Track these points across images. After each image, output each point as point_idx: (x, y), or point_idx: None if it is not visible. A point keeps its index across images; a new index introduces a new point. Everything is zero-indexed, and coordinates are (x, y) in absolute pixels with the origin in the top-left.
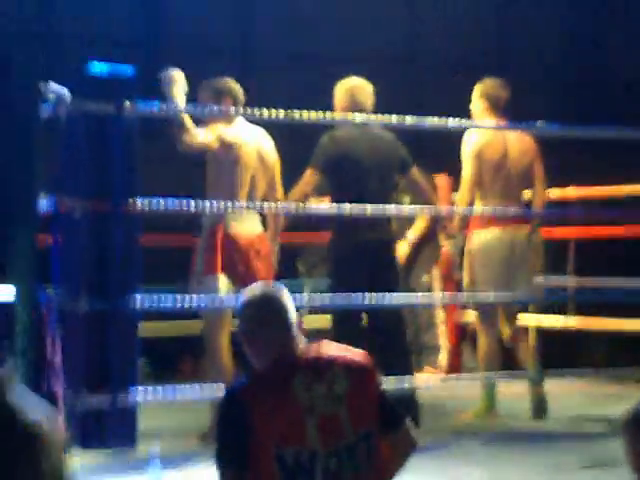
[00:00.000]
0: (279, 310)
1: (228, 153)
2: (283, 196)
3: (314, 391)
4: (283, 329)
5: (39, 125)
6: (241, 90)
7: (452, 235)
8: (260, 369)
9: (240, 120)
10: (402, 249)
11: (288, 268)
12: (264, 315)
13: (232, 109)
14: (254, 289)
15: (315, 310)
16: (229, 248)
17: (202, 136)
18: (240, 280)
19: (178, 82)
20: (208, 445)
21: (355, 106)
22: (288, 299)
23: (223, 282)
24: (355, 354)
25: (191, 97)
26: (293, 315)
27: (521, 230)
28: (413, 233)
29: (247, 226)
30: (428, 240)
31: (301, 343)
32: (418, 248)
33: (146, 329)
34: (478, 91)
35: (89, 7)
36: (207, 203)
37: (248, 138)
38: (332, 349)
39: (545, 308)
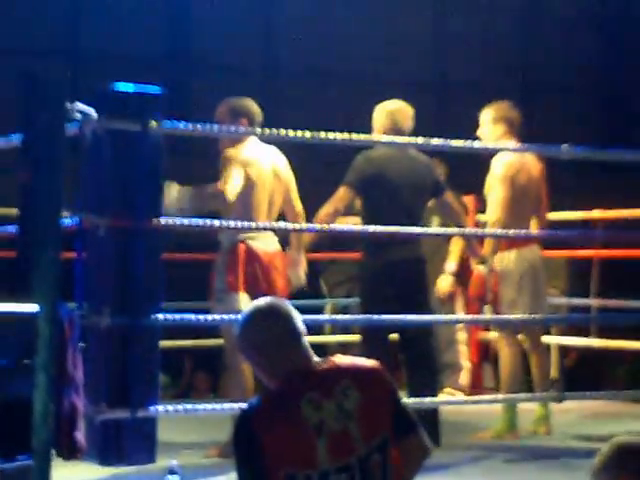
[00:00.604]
0: (286, 324)
1: (247, 172)
2: (302, 211)
3: (323, 410)
4: (291, 344)
5: (64, 143)
6: (258, 110)
7: (484, 258)
8: (269, 389)
9: (253, 139)
10: (443, 282)
11: (311, 286)
12: (272, 331)
13: (254, 130)
14: (258, 305)
15: (340, 329)
16: (251, 265)
17: (235, 184)
18: (262, 296)
19: (170, 194)
20: (226, 460)
21: (395, 129)
22: (294, 313)
23: (245, 300)
24: (365, 364)
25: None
26: (301, 329)
27: (536, 250)
28: (451, 263)
29: (266, 243)
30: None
31: (311, 358)
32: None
33: (168, 343)
34: (492, 115)
35: (115, 25)
36: (231, 221)
37: (263, 157)
38: (342, 362)
39: (567, 329)
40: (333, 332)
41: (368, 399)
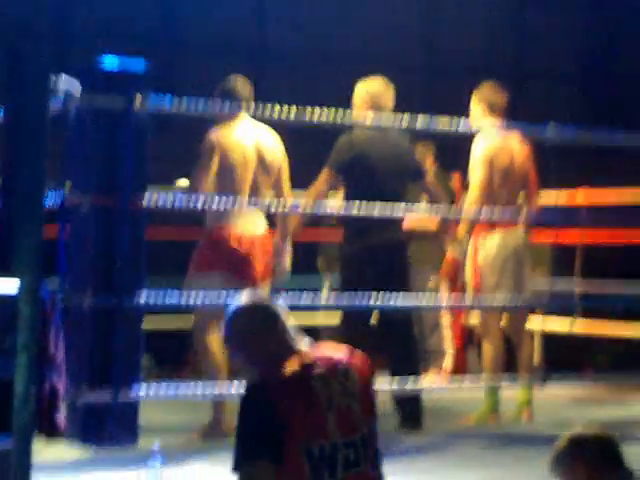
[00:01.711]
0: (273, 315)
1: (226, 156)
2: (290, 195)
3: (331, 386)
4: (283, 328)
5: (47, 119)
6: (249, 89)
7: (458, 239)
8: (274, 370)
9: (244, 119)
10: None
11: (309, 264)
12: (260, 321)
13: (239, 106)
14: (244, 298)
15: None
16: (230, 247)
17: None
18: (239, 278)
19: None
20: (207, 441)
21: (376, 107)
22: (278, 304)
23: (212, 281)
24: (355, 353)
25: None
26: (287, 318)
27: (520, 233)
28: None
29: (249, 225)
30: (436, 243)
31: (304, 344)
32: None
33: (151, 322)
34: (476, 96)
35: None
36: (215, 199)
37: (247, 139)
38: (335, 349)
39: (551, 312)
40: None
41: (364, 382)
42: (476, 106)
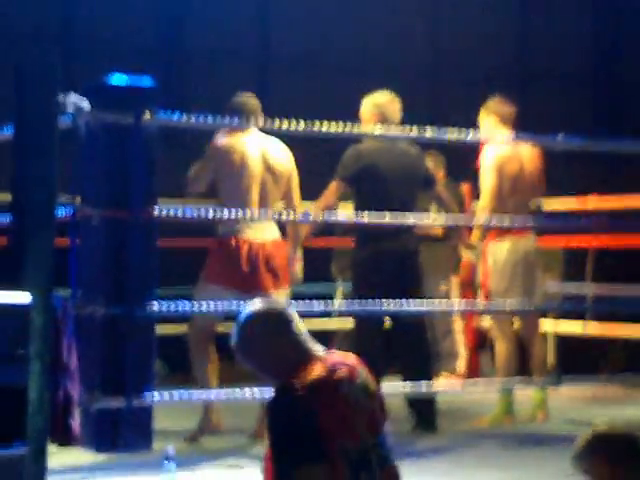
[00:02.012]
0: (285, 320)
1: (231, 162)
2: (300, 204)
3: (355, 389)
4: (300, 337)
5: (57, 134)
6: (257, 105)
7: (472, 245)
8: (294, 374)
9: (252, 132)
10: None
11: (323, 271)
12: (281, 325)
13: (246, 121)
14: (255, 305)
15: (342, 314)
16: (239, 255)
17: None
18: (250, 286)
19: None
20: (197, 445)
21: (383, 121)
22: (290, 310)
23: (219, 292)
24: (359, 359)
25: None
26: (299, 323)
27: (531, 239)
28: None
29: (259, 233)
30: (446, 249)
31: (319, 349)
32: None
33: (165, 329)
34: (486, 110)
35: (109, 17)
36: (225, 211)
37: (253, 148)
38: (344, 356)
39: (563, 315)
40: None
41: (376, 388)
42: (487, 118)
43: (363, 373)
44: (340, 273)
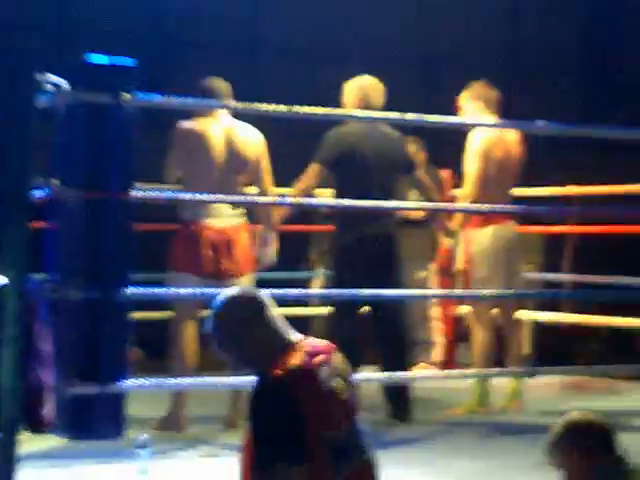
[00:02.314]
0: (260, 305)
1: (195, 150)
2: (271, 188)
3: (334, 377)
4: (276, 324)
5: (36, 114)
6: (226, 88)
7: (451, 231)
8: (274, 362)
9: (221, 116)
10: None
11: (300, 257)
12: (257, 312)
13: (228, 104)
14: (236, 290)
15: (318, 301)
16: (198, 244)
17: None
18: (210, 273)
19: None
20: (167, 432)
21: (366, 105)
22: (265, 296)
23: (188, 279)
24: (334, 345)
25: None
26: (275, 310)
27: (514, 226)
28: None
29: (220, 219)
30: (425, 235)
31: (295, 336)
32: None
33: (141, 315)
34: (470, 94)
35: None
36: (201, 195)
37: (218, 133)
38: (319, 341)
39: (541, 304)
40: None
41: (349, 373)
42: (472, 103)
43: (338, 360)
44: (318, 259)
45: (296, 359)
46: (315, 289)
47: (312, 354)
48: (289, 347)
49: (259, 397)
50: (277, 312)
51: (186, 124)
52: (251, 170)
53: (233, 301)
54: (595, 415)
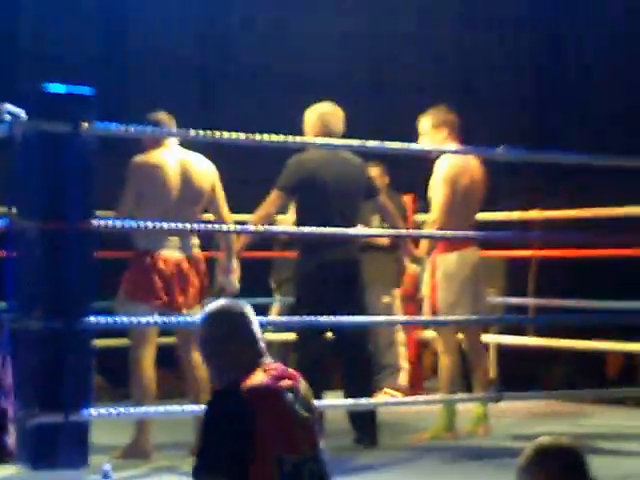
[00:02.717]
0: (247, 323)
1: (148, 178)
2: (228, 215)
3: (296, 400)
4: (253, 338)
5: None
6: (170, 120)
7: (418, 257)
8: (244, 378)
9: (171, 147)
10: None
11: (260, 284)
12: (235, 328)
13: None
14: (221, 304)
15: (281, 328)
16: (152, 272)
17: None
18: (162, 303)
19: None
20: (128, 461)
21: (326, 132)
22: (252, 314)
23: (139, 308)
24: (299, 373)
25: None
26: (258, 329)
27: (477, 251)
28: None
29: (174, 250)
30: (390, 260)
31: (267, 358)
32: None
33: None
34: (431, 122)
35: (50, 26)
36: (164, 224)
37: (173, 164)
38: (284, 367)
39: (504, 328)
40: (276, 330)
41: (315, 406)
42: (437, 130)
43: (304, 387)
44: (278, 286)
45: (260, 377)
46: (274, 316)
47: (279, 377)
48: (258, 367)
49: (214, 405)
50: (259, 330)
51: (141, 157)
52: (207, 200)
53: (212, 316)
54: (565, 439)
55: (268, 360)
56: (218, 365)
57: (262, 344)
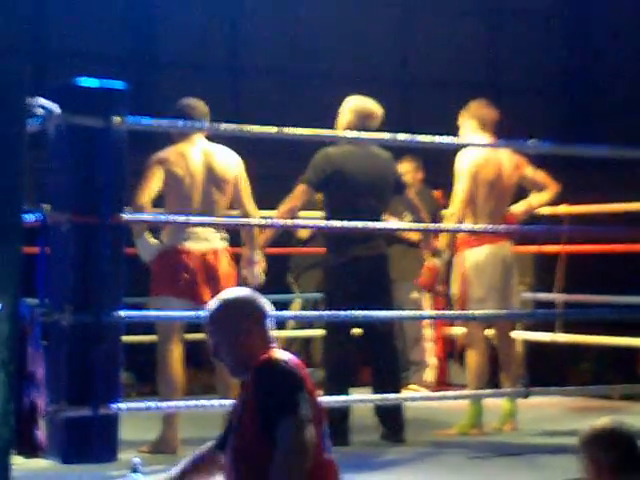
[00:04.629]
0: (263, 308)
1: (171, 172)
2: (254, 209)
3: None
4: (265, 329)
5: (25, 139)
6: (203, 107)
7: (438, 252)
8: (273, 354)
9: (197, 139)
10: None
11: (279, 281)
12: (254, 309)
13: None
14: (222, 297)
15: (306, 324)
16: (179, 269)
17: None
18: (190, 297)
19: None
20: (160, 455)
21: (359, 127)
22: (268, 305)
23: (169, 302)
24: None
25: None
26: (266, 317)
27: (508, 246)
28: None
29: (199, 244)
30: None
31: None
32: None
33: (132, 338)
34: (466, 114)
35: (80, 23)
36: (193, 217)
37: (197, 158)
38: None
39: (533, 324)
40: (298, 327)
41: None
42: (467, 122)
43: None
44: (295, 280)
45: (283, 353)
46: (293, 312)
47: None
48: (270, 351)
49: (268, 371)
50: (268, 319)
51: (165, 152)
52: (231, 193)
53: (222, 306)
54: (621, 425)
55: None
56: (235, 345)
57: (271, 333)
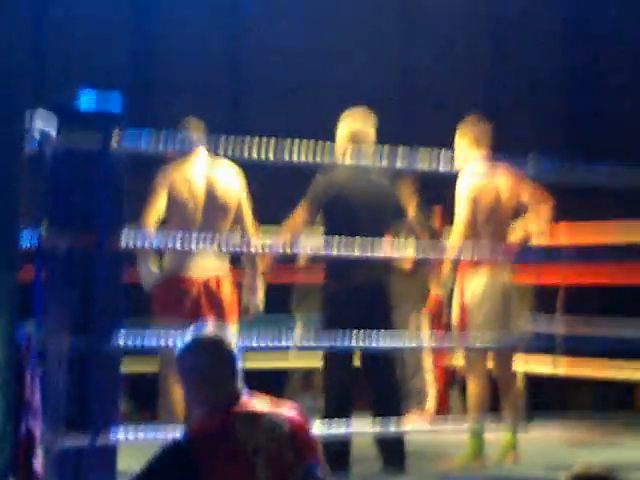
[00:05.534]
0: (228, 356)
1: (174, 193)
2: (254, 230)
3: (257, 436)
4: (230, 375)
5: (23, 159)
6: (200, 125)
7: (442, 277)
8: (201, 415)
9: (199, 158)
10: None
11: (281, 305)
12: (216, 358)
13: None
14: (203, 332)
15: (305, 349)
16: (180, 295)
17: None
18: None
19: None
20: None
21: (358, 150)
22: (234, 346)
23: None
24: (286, 406)
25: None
26: (238, 363)
27: (507, 271)
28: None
29: (201, 270)
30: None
31: (243, 393)
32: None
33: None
34: (461, 130)
35: (79, 41)
36: (192, 240)
37: (198, 176)
38: (266, 402)
39: (533, 353)
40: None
41: (297, 431)
42: (461, 140)
43: (277, 420)
44: (297, 306)
45: (216, 420)
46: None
47: (247, 415)
48: (228, 404)
49: (159, 455)
50: (234, 363)
51: (166, 171)
52: (233, 215)
53: (186, 349)
54: (601, 467)
55: (245, 395)
56: (191, 394)
57: (239, 379)
